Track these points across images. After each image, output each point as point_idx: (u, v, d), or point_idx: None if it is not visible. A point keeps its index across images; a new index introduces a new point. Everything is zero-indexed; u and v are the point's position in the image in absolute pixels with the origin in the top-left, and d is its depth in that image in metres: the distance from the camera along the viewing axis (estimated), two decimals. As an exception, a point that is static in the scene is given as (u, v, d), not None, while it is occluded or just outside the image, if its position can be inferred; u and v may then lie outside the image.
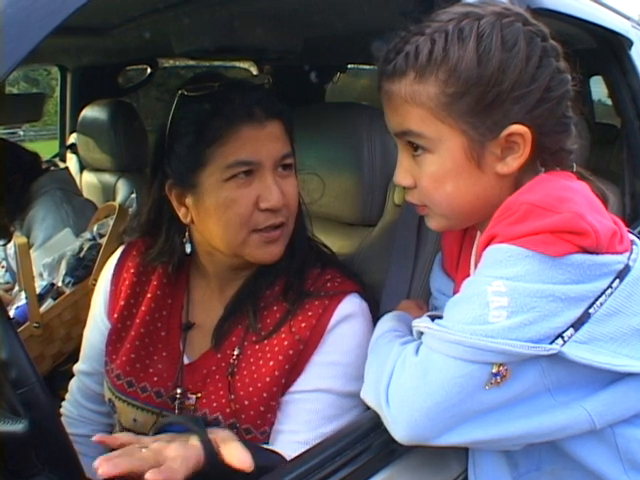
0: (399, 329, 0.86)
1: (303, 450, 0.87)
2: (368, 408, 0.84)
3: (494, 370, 0.69)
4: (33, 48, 0.56)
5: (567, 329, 0.69)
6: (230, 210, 0.92)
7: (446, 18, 0.77)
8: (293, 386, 0.94)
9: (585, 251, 0.70)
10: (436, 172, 0.79)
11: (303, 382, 0.94)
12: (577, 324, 0.70)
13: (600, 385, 0.75)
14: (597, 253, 0.71)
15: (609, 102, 2.42)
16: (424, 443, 0.73)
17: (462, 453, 0.86)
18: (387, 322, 0.90)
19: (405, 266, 1.06)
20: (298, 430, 0.92)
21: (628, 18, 2.23)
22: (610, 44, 1.91)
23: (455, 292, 0.89)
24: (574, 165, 0.86)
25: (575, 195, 0.74)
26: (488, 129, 0.76)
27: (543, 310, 0.68)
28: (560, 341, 0.69)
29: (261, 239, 0.94)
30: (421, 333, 0.77)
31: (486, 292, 0.70)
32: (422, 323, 0.76)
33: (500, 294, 0.69)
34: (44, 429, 0.68)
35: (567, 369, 0.72)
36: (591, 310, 0.70)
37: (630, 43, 1.94)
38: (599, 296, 0.70)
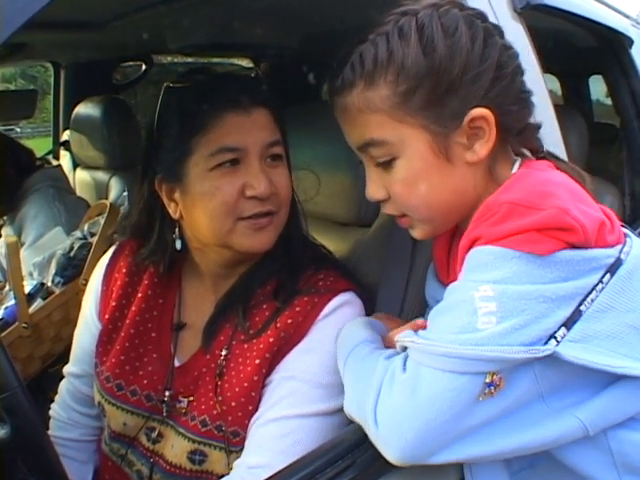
0: (375, 341, 0.82)
1: (260, 431, 0.87)
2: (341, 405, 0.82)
3: (487, 380, 0.66)
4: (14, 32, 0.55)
5: (559, 329, 0.67)
6: (215, 199, 0.90)
7: (385, 21, 0.77)
8: (270, 375, 0.92)
9: (573, 247, 0.68)
10: (407, 176, 0.77)
11: (278, 369, 0.91)
12: (569, 323, 0.67)
13: (594, 389, 0.72)
14: (586, 248, 0.69)
15: (608, 102, 2.40)
16: (417, 463, 0.69)
17: None
18: (361, 329, 0.86)
19: (401, 270, 1.04)
20: (261, 414, 0.89)
21: (628, 17, 2.22)
22: (610, 43, 1.89)
23: None
24: (543, 145, 0.85)
25: (557, 188, 0.72)
26: (449, 119, 0.75)
27: (533, 312, 0.66)
28: (553, 342, 0.66)
29: (248, 226, 0.92)
30: (405, 348, 0.73)
31: (473, 298, 0.67)
32: (406, 338, 0.73)
33: (488, 299, 0.66)
34: (27, 435, 0.66)
35: (560, 373, 0.70)
36: (582, 307, 0.68)
37: (630, 42, 1.93)
38: (589, 292, 0.68)
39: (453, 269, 0.87)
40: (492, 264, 0.68)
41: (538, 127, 0.84)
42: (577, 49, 2.11)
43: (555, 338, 0.67)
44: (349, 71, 0.77)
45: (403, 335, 0.75)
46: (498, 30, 0.79)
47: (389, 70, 0.74)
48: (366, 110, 0.76)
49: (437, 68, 0.73)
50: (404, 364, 0.71)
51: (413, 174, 0.77)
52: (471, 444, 0.69)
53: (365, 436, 0.74)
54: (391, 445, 0.68)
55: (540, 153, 0.85)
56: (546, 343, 0.66)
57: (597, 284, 0.68)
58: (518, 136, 0.80)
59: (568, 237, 0.67)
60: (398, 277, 1.06)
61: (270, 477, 0.78)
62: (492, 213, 0.70)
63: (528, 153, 0.84)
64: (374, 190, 0.81)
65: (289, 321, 0.92)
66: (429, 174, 0.76)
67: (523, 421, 0.70)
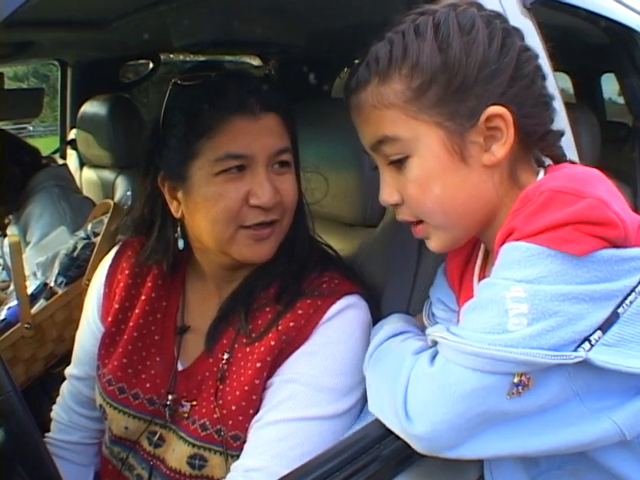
0: (409, 330, 0.83)
1: (259, 434, 0.85)
2: (350, 407, 0.81)
3: (515, 380, 0.65)
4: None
5: (594, 332, 0.65)
6: (218, 204, 0.88)
7: (402, 20, 0.77)
8: (271, 378, 0.90)
9: (611, 244, 0.65)
10: (420, 175, 0.75)
11: (279, 372, 0.90)
12: (605, 326, 0.65)
13: (633, 392, 0.70)
14: (624, 246, 0.66)
15: (621, 100, 2.38)
16: (447, 454, 0.70)
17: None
18: (392, 324, 0.86)
19: (407, 270, 1.03)
20: (260, 416, 0.88)
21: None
22: (622, 40, 1.86)
23: (459, 307, 0.85)
24: (566, 154, 0.83)
25: (598, 182, 0.70)
26: (465, 116, 0.72)
27: (566, 314, 0.64)
28: (587, 345, 0.64)
29: (249, 236, 0.90)
30: (435, 342, 0.73)
31: (504, 298, 0.65)
32: (437, 332, 0.72)
33: (519, 300, 0.65)
34: (21, 439, 0.66)
35: (596, 375, 0.67)
36: (620, 310, 0.65)
37: (643, 39, 1.89)
38: (628, 294, 0.65)
39: (467, 282, 0.86)
40: (525, 262, 0.66)
41: (561, 134, 0.81)
42: (588, 46, 2.07)
43: (589, 341, 0.65)
44: (364, 69, 0.76)
45: (434, 329, 0.74)
46: (518, 32, 0.77)
47: (403, 65, 0.73)
48: (379, 106, 0.75)
49: (452, 64, 0.72)
50: (431, 358, 0.71)
51: (426, 174, 0.74)
52: (502, 439, 0.69)
53: (389, 430, 0.75)
54: (422, 435, 0.69)
55: (562, 162, 0.82)
56: (579, 346, 0.65)
57: (636, 286, 0.66)
58: (540, 142, 0.78)
59: (607, 232, 0.65)
60: (404, 278, 1.05)
61: (298, 468, 0.78)
62: (531, 203, 0.68)
63: (550, 162, 0.81)
64: (388, 193, 0.79)
65: (291, 324, 0.90)
66: (443, 174, 0.74)
67: (558, 420, 0.69)
